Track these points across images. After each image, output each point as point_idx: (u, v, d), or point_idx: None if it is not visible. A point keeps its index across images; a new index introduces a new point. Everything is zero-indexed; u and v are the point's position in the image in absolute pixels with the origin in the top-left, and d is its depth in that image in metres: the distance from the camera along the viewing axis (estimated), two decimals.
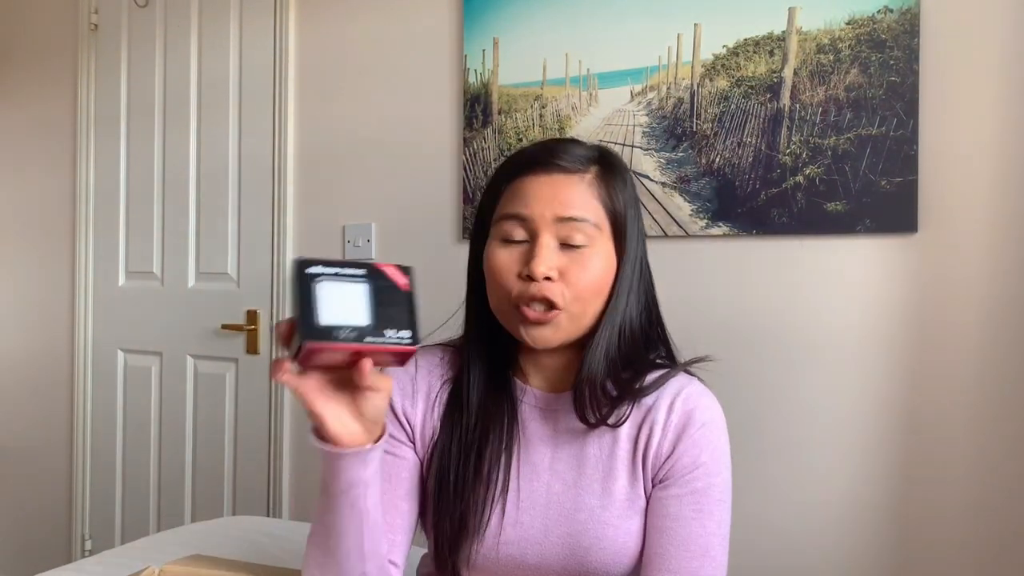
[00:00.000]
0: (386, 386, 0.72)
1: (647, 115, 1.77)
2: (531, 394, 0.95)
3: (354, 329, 0.68)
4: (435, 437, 0.94)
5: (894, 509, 1.56)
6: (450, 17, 2.02)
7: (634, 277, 0.92)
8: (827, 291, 1.61)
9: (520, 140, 1.91)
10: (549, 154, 0.90)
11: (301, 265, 0.68)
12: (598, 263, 0.88)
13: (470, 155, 1.98)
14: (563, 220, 0.87)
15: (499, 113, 1.94)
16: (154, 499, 2.54)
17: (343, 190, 2.19)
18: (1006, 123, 1.46)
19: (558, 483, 0.91)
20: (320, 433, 0.73)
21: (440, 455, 0.92)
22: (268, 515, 2.28)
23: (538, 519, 0.90)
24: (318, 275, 0.69)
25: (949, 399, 1.51)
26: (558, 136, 1.86)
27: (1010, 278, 1.46)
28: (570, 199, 0.88)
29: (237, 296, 2.37)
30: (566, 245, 0.87)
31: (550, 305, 0.86)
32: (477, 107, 1.97)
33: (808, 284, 1.63)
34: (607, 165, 0.92)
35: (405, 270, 0.72)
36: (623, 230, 0.90)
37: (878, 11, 1.55)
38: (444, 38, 2.03)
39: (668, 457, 0.89)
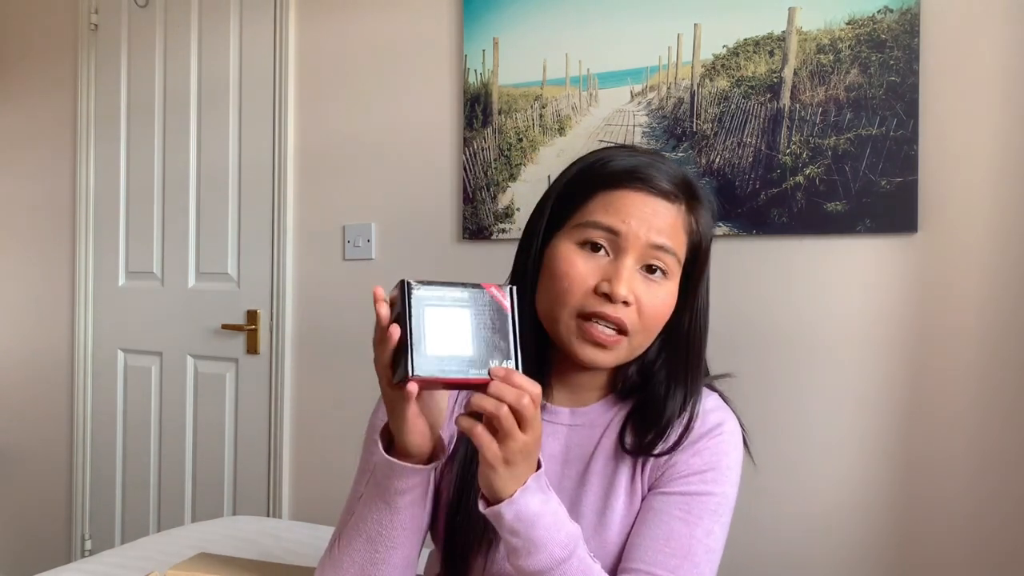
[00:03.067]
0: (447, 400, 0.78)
1: (647, 115, 1.77)
2: (549, 410, 0.92)
3: (461, 361, 0.68)
4: (452, 444, 0.91)
5: (894, 508, 1.56)
6: (450, 17, 2.02)
7: (702, 316, 0.91)
8: (827, 291, 1.61)
9: (520, 140, 1.91)
10: (654, 171, 0.86)
11: (409, 288, 0.68)
12: (668, 295, 0.86)
13: (470, 155, 1.98)
14: (655, 247, 0.84)
15: (499, 113, 1.94)
16: (154, 499, 2.54)
17: (343, 190, 2.19)
18: (1006, 123, 1.46)
19: (565, 500, 0.89)
20: (398, 447, 0.76)
21: (461, 466, 0.90)
22: (268, 515, 2.28)
23: None
24: (425, 299, 0.68)
25: (949, 399, 1.51)
26: (559, 134, 1.86)
27: (1010, 278, 1.46)
28: (666, 226, 0.85)
29: (237, 296, 2.37)
30: (645, 270, 0.85)
31: (620, 330, 0.84)
32: (477, 107, 1.97)
33: (808, 284, 1.63)
34: (697, 199, 0.89)
35: (509, 291, 0.72)
36: (702, 265, 0.89)
37: (878, 11, 1.55)
38: (444, 38, 2.03)
39: (670, 465, 0.88)
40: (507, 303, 0.71)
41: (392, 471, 0.77)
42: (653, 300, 0.85)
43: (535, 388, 0.70)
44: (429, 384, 0.69)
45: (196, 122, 2.44)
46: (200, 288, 2.45)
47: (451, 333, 0.68)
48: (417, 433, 0.75)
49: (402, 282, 0.68)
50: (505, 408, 0.68)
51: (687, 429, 0.88)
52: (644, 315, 0.84)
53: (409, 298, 0.68)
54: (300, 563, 1.42)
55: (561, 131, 1.87)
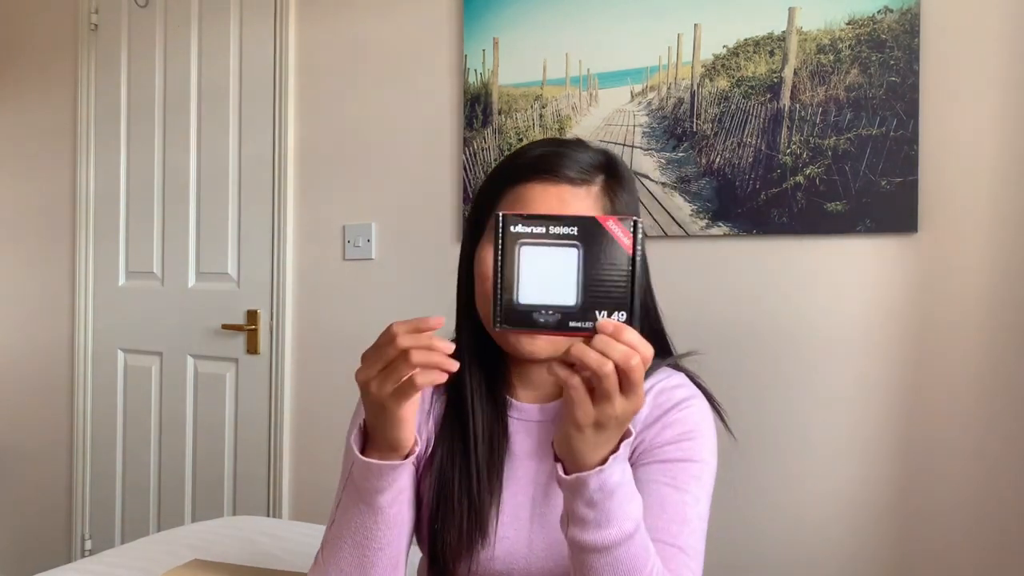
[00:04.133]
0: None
1: (647, 115, 1.77)
2: (517, 407, 0.92)
3: (557, 311, 0.58)
4: (429, 448, 0.92)
5: (893, 508, 1.56)
6: (450, 17, 2.02)
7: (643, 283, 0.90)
8: (827, 291, 1.61)
9: (520, 140, 1.91)
10: (557, 160, 0.86)
11: (506, 222, 0.59)
12: None
13: (470, 155, 1.98)
14: None
15: (499, 113, 1.94)
16: (154, 499, 2.54)
17: (343, 190, 2.19)
18: (1006, 123, 1.46)
19: (541, 495, 0.89)
20: (378, 447, 0.74)
21: (440, 470, 0.89)
22: (268, 515, 2.28)
23: (523, 533, 0.88)
24: (523, 235, 0.58)
25: (949, 398, 1.51)
26: (558, 136, 1.86)
27: (1010, 278, 1.46)
28: (576, 213, 0.84)
29: (237, 296, 2.37)
30: None
31: None
32: (477, 107, 1.97)
33: (808, 284, 1.63)
34: (614, 174, 0.89)
35: (630, 226, 0.60)
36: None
37: (878, 11, 1.55)
38: (444, 38, 2.03)
39: (638, 443, 0.86)
40: (627, 241, 0.59)
41: (371, 472, 0.75)
42: None
43: (648, 349, 0.61)
44: (522, 334, 0.62)
45: (196, 122, 2.44)
46: (200, 288, 2.45)
47: (552, 276, 0.58)
48: (407, 428, 0.73)
49: (496, 216, 0.60)
50: (610, 365, 0.60)
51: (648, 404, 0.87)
52: None
53: (503, 235, 0.58)
54: (300, 563, 1.42)
55: (561, 131, 1.87)
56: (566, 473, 0.67)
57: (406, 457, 0.75)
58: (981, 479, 1.49)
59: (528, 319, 0.59)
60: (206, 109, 2.42)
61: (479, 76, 1.97)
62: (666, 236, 1.74)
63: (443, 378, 0.66)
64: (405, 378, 0.66)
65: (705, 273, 1.71)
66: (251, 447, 2.33)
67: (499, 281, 0.58)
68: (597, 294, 0.59)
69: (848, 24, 1.57)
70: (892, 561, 1.56)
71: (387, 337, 0.67)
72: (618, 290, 0.59)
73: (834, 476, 1.60)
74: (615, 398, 0.61)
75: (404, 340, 0.65)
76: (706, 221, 1.70)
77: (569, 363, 0.62)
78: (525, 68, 1.91)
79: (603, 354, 0.60)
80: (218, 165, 2.39)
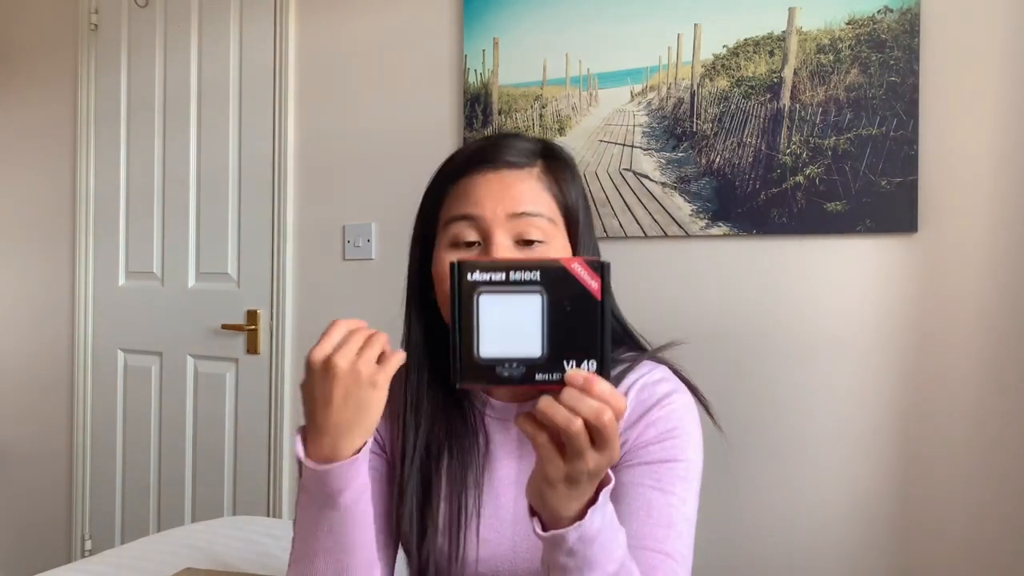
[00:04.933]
0: None
1: (647, 115, 1.77)
2: (491, 405, 0.90)
3: (521, 363, 0.54)
4: (418, 444, 0.89)
5: (893, 508, 1.56)
6: (450, 17, 2.02)
7: None
8: (827, 291, 1.61)
9: None
10: (494, 150, 0.86)
11: (462, 269, 0.55)
12: None
13: None
14: (516, 216, 0.82)
15: (499, 113, 1.94)
16: (154, 499, 2.54)
17: (343, 190, 2.19)
18: (1006, 123, 1.46)
19: (523, 496, 0.84)
20: (328, 451, 0.70)
21: (418, 475, 0.87)
22: (268, 515, 2.28)
23: (506, 536, 0.86)
24: (481, 283, 0.54)
25: (948, 398, 1.51)
26: (546, 136, 1.86)
27: (1010, 278, 1.46)
28: (521, 194, 0.83)
29: (237, 296, 2.36)
30: (522, 243, 0.82)
31: None
32: (477, 107, 1.97)
33: (808, 284, 1.62)
34: (553, 158, 0.88)
35: (597, 268, 0.55)
36: (576, 224, 0.86)
37: (878, 11, 1.55)
38: (444, 38, 2.03)
39: (621, 443, 0.83)
40: (595, 285, 0.54)
41: (329, 476, 0.71)
42: None
43: (620, 402, 0.57)
44: (482, 390, 0.59)
45: (196, 122, 2.44)
46: (200, 288, 2.45)
47: (515, 326, 0.54)
48: (377, 414, 0.70)
49: (451, 264, 0.55)
50: (579, 423, 0.56)
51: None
52: None
53: (460, 284, 0.54)
54: None
55: (561, 131, 1.87)
56: (544, 529, 0.64)
57: (358, 451, 0.71)
58: (980, 478, 1.49)
59: (490, 374, 0.55)
60: (206, 109, 2.42)
61: (479, 76, 1.97)
62: (666, 236, 1.74)
63: (403, 358, 0.70)
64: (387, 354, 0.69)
65: (705, 273, 1.71)
66: (251, 447, 2.33)
67: (458, 334, 0.54)
68: (564, 343, 0.54)
69: (848, 24, 1.57)
70: (890, 561, 1.56)
71: (343, 324, 0.70)
72: (586, 337, 0.54)
73: (834, 476, 1.60)
74: (587, 454, 0.57)
75: (359, 327, 0.70)
76: (706, 221, 1.70)
77: (535, 418, 0.58)
78: (525, 68, 1.91)
79: (572, 410, 0.56)
80: (218, 165, 2.39)
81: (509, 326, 0.54)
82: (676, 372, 0.91)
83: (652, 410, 0.85)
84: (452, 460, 0.87)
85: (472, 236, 0.83)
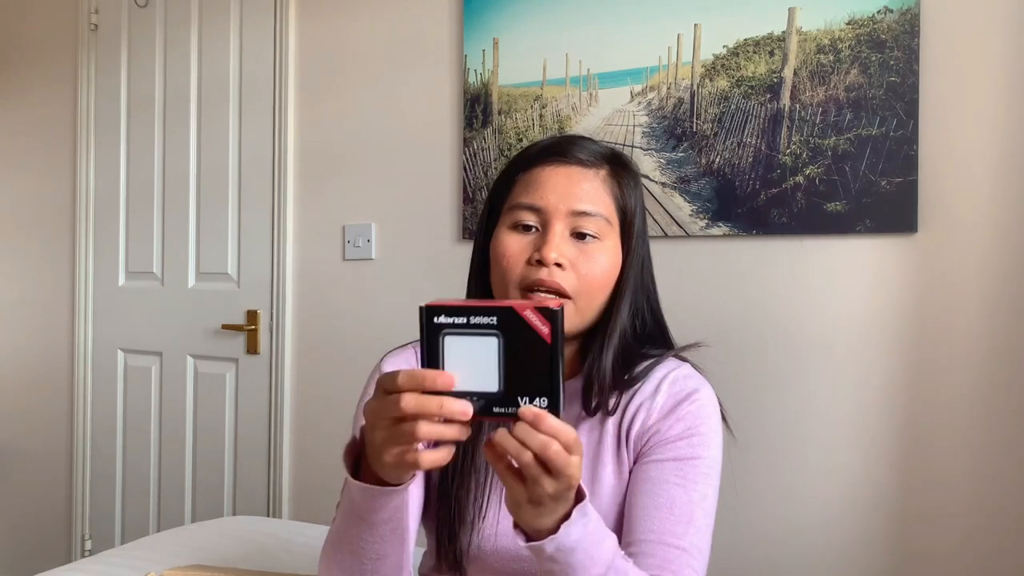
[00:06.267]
0: None
1: (647, 115, 1.77)
2: None
3: (481, 397, 0.60)
4: None
5: (892, 508, 1.56)
6: (450, 17, 2.02)
7: (642, 274, 0.94)
8: (827, 291, 1.61)
9: (520, 140, 1.91)
10: (567, 145, 0.92)
11: (430, 313, 0.60)
12: (606, 257, 0.90)
13: (470, 155, 1.98)
14: (576, 213, 0.88)
15: (499, 113, 1.94)
16: (154, 499, 2.54)
17: (343, 190, 2.19)
18: (1006, 123, 1.46)
19: None
20: (374, 471, 0.68)
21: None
22: (268, 515, 2.28)
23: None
24: (445, 327, 0.60)
25: (948, 398, 1.51)
26: (560, 135, 1.86)
27: (1010, 278, 1.46)
28: (584, 192, 0.89)
29: (237, 296, 2.37)
30: (577, 236, 0.89)
31: (559, 294, 0.87)
32: (477, 107, 1.97)
33: (808, 284, 1.63)
34: (620, 165, 0.95)
35: (549, 315, 0.60)
36: (632, 228, 0.93)
37: (878, 11, 1.55)
38: (444, 38, 2.03)
39: (653, 432, 0.90)
40: (545, 330, 0.60)
41: (367, 494, 0.71)
42: (589, 262, 0.88)
43: (567, 434, 0.61)
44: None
45: (196, 122, 2.44)
46: (200, 288, 2.45)
47: (476, 364, 0.60)
48: (405, 476, 0.70)
49: (420, 308, 0.61)
50: (529, 455, 0.61)
51: (657, 391, 0.91)
52: (582, 277, 0.88)
53: (427, 327, 0.60)
54: (300, 563, 1.42)
55: (561, 131, 1.86)
56: (526, 540, 0.69)
57: (405, 482, 0.71)
58: (981, 478, 1.49)
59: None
60: (206, 109, 2.42)
61: (479, 76, 1.97)
62: (666, 236, 1.74)
63: (450, 456, 0.63)
64: (409, 453, 0.62)
65: (705, 273, 1.71)
66: (251, 447, 2.33)
67: (426, 367, 0.60)
68: (518, 380, 0.60)
69: (848, 24, 1.57)
70: (891, 561, 1.56)
71: (391, 387, 0.61)
72: (539, 376, 0.60)
73: (833, 476, 1.60)
74: (542, 480, 0.62)
75: (409, 403, 0.59)
76: (706, 221, 1.70)
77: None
78: (525, 68, 1.91)
79: (522, 442, 0.60)
80: (218, 165, 2.39)
81: (471, 364, 0.60)
82: (699, 372, 0.97)
83: (682, 404, 0.90)
84: (484, 438, 0.89)
85: (532, 221, 0.90)
